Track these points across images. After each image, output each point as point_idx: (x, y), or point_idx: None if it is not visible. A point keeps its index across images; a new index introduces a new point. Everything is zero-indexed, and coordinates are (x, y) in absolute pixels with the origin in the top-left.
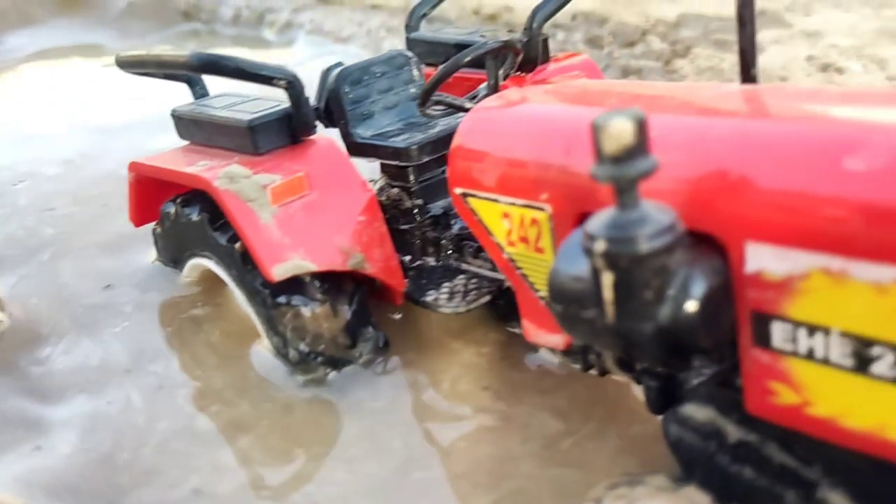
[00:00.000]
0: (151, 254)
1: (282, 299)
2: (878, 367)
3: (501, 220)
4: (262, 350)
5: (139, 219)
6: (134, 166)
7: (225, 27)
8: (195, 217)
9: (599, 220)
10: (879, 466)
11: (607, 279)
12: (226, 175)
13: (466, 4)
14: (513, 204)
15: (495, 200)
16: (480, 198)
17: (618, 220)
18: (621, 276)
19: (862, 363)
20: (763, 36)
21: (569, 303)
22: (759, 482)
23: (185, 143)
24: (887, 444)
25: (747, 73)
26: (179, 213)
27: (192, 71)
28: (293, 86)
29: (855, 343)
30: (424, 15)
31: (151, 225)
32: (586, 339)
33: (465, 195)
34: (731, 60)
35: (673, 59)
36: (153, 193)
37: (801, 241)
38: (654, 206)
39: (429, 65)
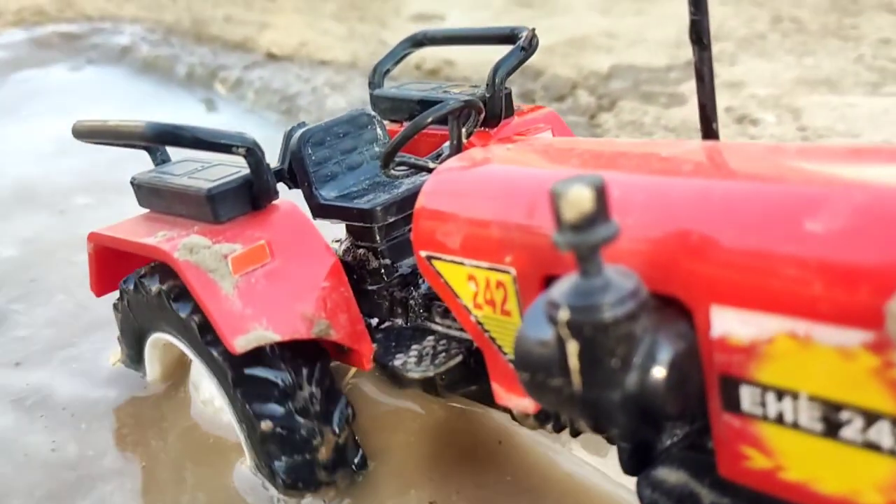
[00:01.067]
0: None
1: (246, 371)
2: (847, 432)
3: (467, 282)
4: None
5: (100, 289)
6: (93, 237)
7: (179, 84)
8: (154, 289)
9: (562, 288)
10: None
11: (572, 348)
12: (185, 246)
13: (409, 60)
14: (478, 267)
15: (460, 263)
16: (445, 261)
17: (581, 288)
18: (586, 345)
19: (831, 428)
20: (688, 87)
21: (535, 370)
22: None
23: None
24: None
25: (708, 128)
26: (140, 288)
27: (147, 142)
28: (252, 153)
29: (823, 407)
30: (388, 71)
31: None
32: (554, 408)
33: (429, 258)
34: (653, 113)
35: (598, 112)
36: (114, 263)
37: (766, 305)
38: (618, 272)
39: (393, 121)
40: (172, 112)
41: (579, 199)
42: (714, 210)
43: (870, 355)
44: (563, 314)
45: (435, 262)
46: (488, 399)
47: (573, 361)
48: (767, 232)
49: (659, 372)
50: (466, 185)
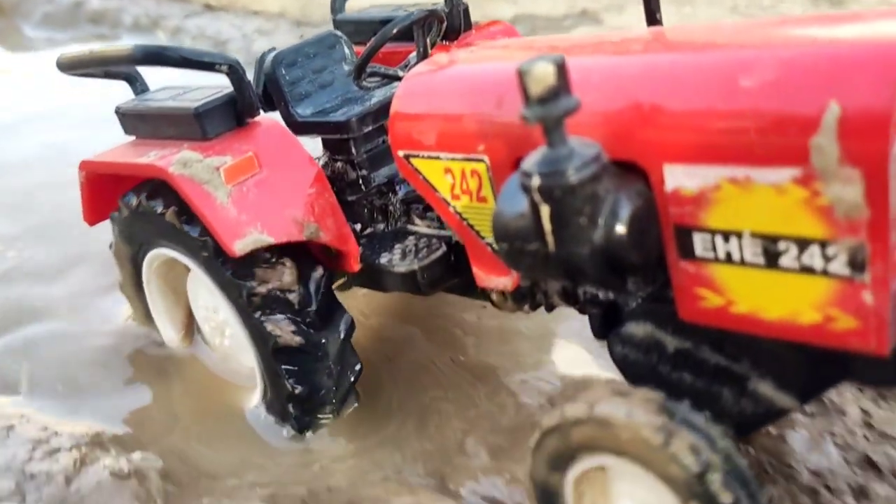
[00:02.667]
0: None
1: (245, 271)
2: (785, 260)
3: (444, 175)
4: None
5: (93, 218)
6: (85, 164)
7: (126, 32)
8: (160, 210)
9: (533, 159)
10: (796, 351)
11: (545, 211)
12: (179, 161)
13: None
14: (453, 159)
15: (436, 158)
16: (422, 157)
17: (549, 157)
18: (556, 207)
19: (771, 259)
20: (579, 32)
21: (512, 240)
22: (698, 384)
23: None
24: (800, 329)
25: (652, 17)
26: (143, 205)
27: (136, 63)
28: (234, 70)
29: (763, 241)
30: None
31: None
32: (531, 272)
33: (407, 156)
34: None
35: None
36: (105, 191)
37: (710, 157)
38: (580, 142)
39: (357, 43)
40: None
41: (544, 75)
42: (660, 81)
43: (799, 188)
44: (535, 181)
45: (413, 160)
46: (468, 291)
47: (546, 224)
48: (707, 93)
49: (621, 226)
50: (436, 85)
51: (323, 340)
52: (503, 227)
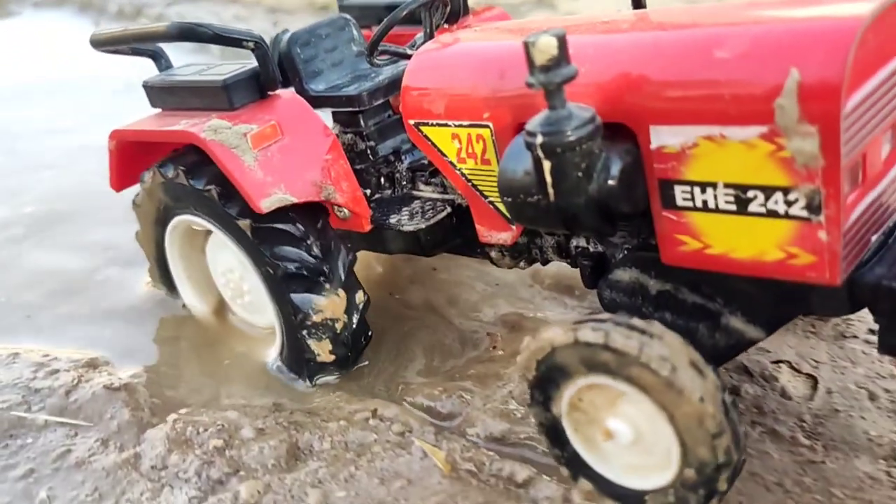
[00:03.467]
0: (143, 277)
1: (267, 225)
2: (753, 206)
3: (452, 141)
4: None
5: (119, 184)
6: (116, 134)
7: (111, 19)
8: (201, 186)
9: (536, 120)
10: (763, 288)
11: (546, 166)
12: (210, 128)
13: None
14: (460, 125)
15: (445, 125)
16: (432, 125)
17: (550, 118)
18: (557, 162)
19: (741, 205)
20: (536, 17)
21: (517, 193)
22: (678, 321)
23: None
24: (766, 266)
25: (638, 2)
26: (181, 178)
27: (171, 40)
28: (260, 46)
29: (735, 190)
30: None
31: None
32: (533, 223)
33: (417, 125)
34: None
35: None
36: (132, 159)
37: (690, 118)
38: (577, 106)
39: (362, 26)
40: None
41: (548, 46)
42: (646, 53)
43: (765, 143)
44: (539, 139)
45: (423, 128)
46: (468, 250)
47: (548, 177)
48: (687, 64)
49: (613, 180)
50: (444, 61)
51: (327, 268)
52: (508, 182)
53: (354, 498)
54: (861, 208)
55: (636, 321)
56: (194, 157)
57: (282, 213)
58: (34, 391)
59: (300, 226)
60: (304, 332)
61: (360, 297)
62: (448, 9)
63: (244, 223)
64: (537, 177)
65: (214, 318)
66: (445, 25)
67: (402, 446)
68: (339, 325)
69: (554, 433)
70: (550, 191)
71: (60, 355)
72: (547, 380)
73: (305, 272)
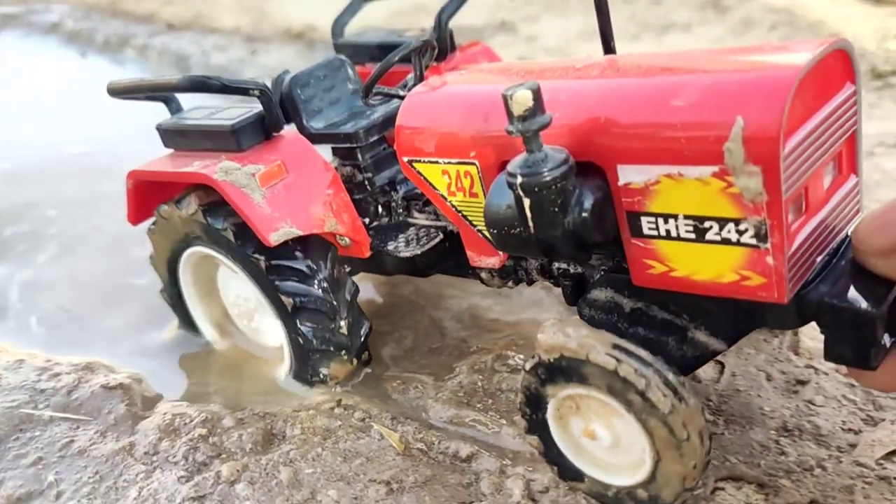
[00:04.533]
0: (172, 323)
1: (279, 262)
2: (710, 235)
3: (442, 176)
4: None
5: (136, 218)
6: (133, 174)
7: (98, 50)
8: (219, 225)
9: (516, 162)
10: (723, 304)
11: (526, 203)
12: (221, 170)
13: (279, 23)
14: (449, 163)
15: (435, 162)
16: (423, 162)
17: (528, 161)
18: (535, 199)
19: (699, 234)
20: (495, 41)
21: (500, 226)
22: (650, 335)
23: (169, 151)
24: (723, 287)
25: (608, 46)
26: (199, 216)
27: (184, 91)
28: (265, 93)
29: (693, 221)
30: (345, 23)
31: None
32: (516, 251)
33: (410, 161)
34: None
35: None
36: (147, 195)
37: (651, 159)
38: (552, 148)
39: (356, 63)
40: (95, 72)
41: (524, 99)
42: (613, 99)
43: (717, 181)
44: (519, 179)
45: (415, 164)
46: (459, 271)
47: (528, 212)
48: (648, 110)
49: (586, 212)
50: (433, 103)
51: (334, 301)
52: (493, 216)
53: (320, 474)
54: (805, 233)
55: (671, 377)
56: (210, 196)
57: (293, 249)
58: (40, 391)
59: (310, 262)
60: (313, 357)
61: (363, 327)
62: (436, 51)
63: (259, 260)
64: (518, 212)
65: (223, 338)
66: (434, 63)
67: (362, 430)
68: (343, 352)
69: (535, 401)
70: (530, 224)
71: (62, 360)
72: (559, 370)
73: (314, 306)
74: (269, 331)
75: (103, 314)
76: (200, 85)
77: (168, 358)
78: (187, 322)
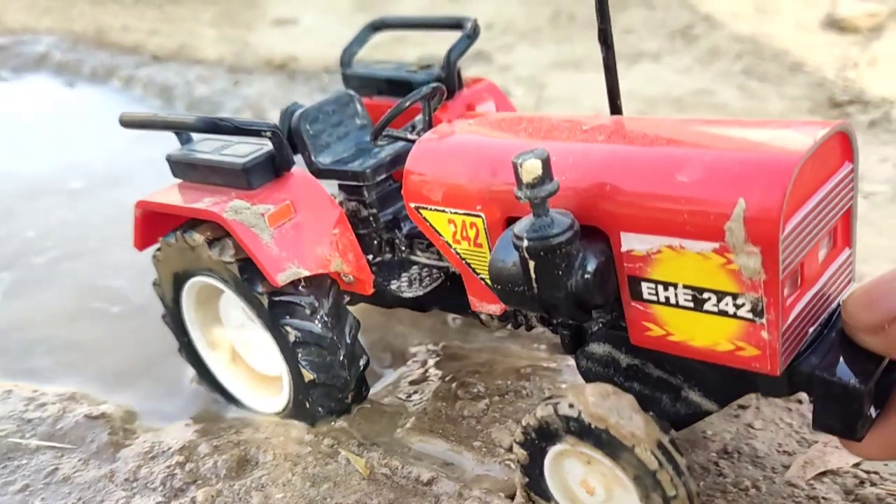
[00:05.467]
0: (189, 374)
1: (281, 298)
2: (707, 306)
3: (448, 224)
4: None
5: (142, 244)
6: (141, 204)
7: (85, 81)
8: (227, 259)
9: (523, 226)
10: (717, 369)
11: (531, 265)
12: (231, 209)
13: (260, 54)
14: (455, 213)
15: (442, 211)
16: (430, 210)
17: (535, 225)
18: (540, 262)
19: (698, 304)
20: (471, 71)
21: (505, 283)
22: (644, 391)
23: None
24: (718, 354)
25: (614, 105)
26: (185, 239)
27: (198, 132)
28: (276, 135)
29: (693, 291)
30: (354, 53)
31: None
32: (518, 306)
33: (417, 208)
34: None
35: None
36: (154, 223)
37: (654, 229)
38: (559, 212)
39: (363, 95)
40: (82, 103)
41: (533, 167)
42: (619, 167)
43: (718, 257)
44: (525, 243)
45: (422, 211)
46: (459, 310)
47: (532, 274)
48: (652, 181)
49: (588, 276)
50: (443, 153)
51: (335, 337)
52: (497, 273)
53: (290, 499)
54: (800, 307)
55: (694, 489)
56: (217, 230)
57: (296, 285)
58: (27, 421)
59: (313, 299)
60: (311, 392)
61: (362, 361)
62: (445, 95)
63: (262, 297)
64: (523, 272)
65: (227, 365)
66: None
67: (330, 455)
68: (341, 387)
69: (548, 437)
70: (534, 285)
71: (48, 390)
72: (596, 437)
73: (314, 341)
74: (270, 360)
75: (88, 345)
76: (213, 127)
77: (149, 387)
78: (189, 351)
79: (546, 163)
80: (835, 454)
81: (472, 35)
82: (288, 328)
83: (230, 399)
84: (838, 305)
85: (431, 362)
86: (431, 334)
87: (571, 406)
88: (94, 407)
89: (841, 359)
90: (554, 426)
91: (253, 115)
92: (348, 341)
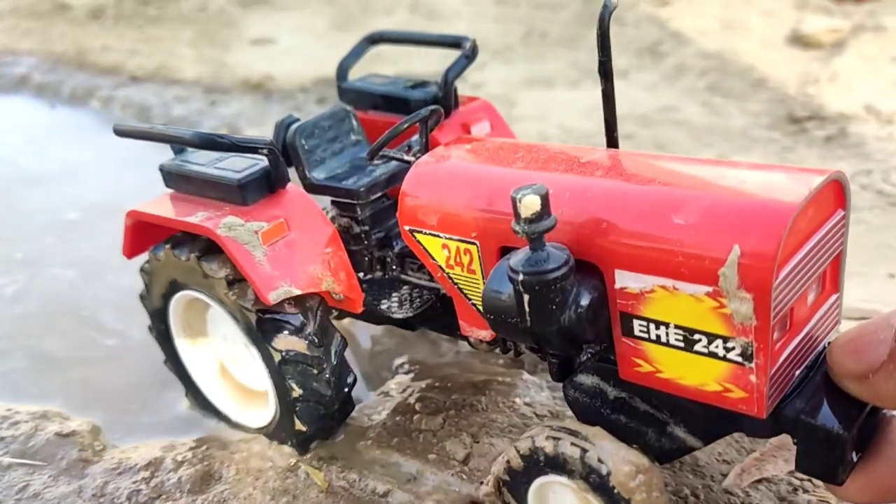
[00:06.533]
0: (167, 396)
1: (270, 317)
2: (698, 347)
3: (441, 249)
4: None
5: (131, 253)
6: (132, 213)
7: (64, 102)
8: (219, 274)
9: (519, 259)
10: (704, 407)
11: (525, 298)
12: (225, 225)
13: (238, 74)
14: (450, 239)
15: (437, 236)
16: (425, 234)
17: (531, 259)
18: (534, 296)
19: (688, 344)
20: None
21: (497, 314)
22: (630, 424)
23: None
24: (706, 394)
25: (611, 137)
26: (197, 263)
27: (195, 147)
28: (273, 152)
29: (683, 332)
30: (350, 66)
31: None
32: (510, 336)
33: (412, 231)
34: None
35: None
36: (144, 232)
37: (649, 269)
38: (554, 247)
39: (358, 109)
40: (61, 122)
41: (532, 203)
42: (617, 205)
43: (710, 300)
44: (521, 276)
45: (416, 234)
46: (449, 331)
47: (526, 307)
48: (649, 221)
49: (581, 311)
50: (439, 179)
51: (322, 355)
52: (490, 302)
53: None
54: (788, 351)
55: None
56: (206, 245)
57: (284, 303)
58: (0, 439)
59: (301, 317)
60: (297, 409)
61: (349, 378)
62: (442, 117)
63: (250, 315)
64: (517, 305)
65: (217, 378)
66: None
67: (290, 470)
68: (327, 404)
69: (554, 464)
70: (527, 318)
71: (21, 409)
72: (602, 488)
73: (301, 359)
74: (255, 374)
75: (61, 363)
76: (210, 143)
77: (120, 405)
78: (174, 361)
79: (545, 199)
80: (770, 463)
81: (471, 55)
82: (275, 348)
83: (217, 415)
84: (824, 348)
85: (393, 377)
86: (397, 348)
87: (601, 462)
88: (66, 424)
89: (826, 404)
90: (570, 466)
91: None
92: (334, 359)
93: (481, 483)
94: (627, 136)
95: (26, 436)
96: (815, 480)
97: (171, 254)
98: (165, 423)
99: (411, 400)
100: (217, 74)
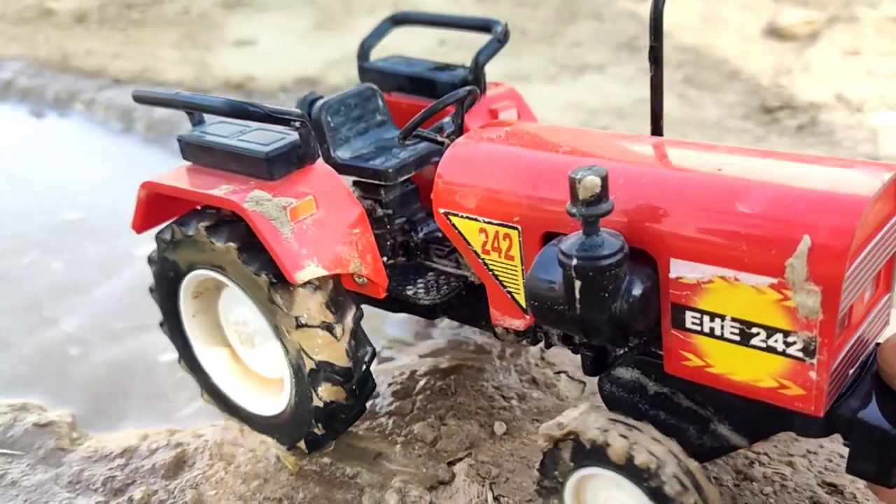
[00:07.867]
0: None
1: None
2: (755, 341)
3: (479, 234)
4: None
5: (141, 228)
6: (147, 185)
7: (49, 105)
8: (220, 244)
9: (571, 243)
10: (750, 404)
11: (577, 284)
12: (251, 199)
13: (219, 75)
14: (489, 223)
15: (474, 219)
16: (461, 217)
17: (585, 244)
18: (587, 283)
19: (745, 338)
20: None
21: (543, 300)
22: (671, 421)
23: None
24: (760, 391)
25: (657, 126)
26: (205, 237)
27: (222, 115)
28: (304, 125)
29: (741, 325)
30: (372, 46)
31: None
32: (555, 325)
33: (447, 214)
34: None
35: None
36: (157, 206)
37: (708, 259)
38: (609, 233)
39: (381, 90)
40: (46, 123)
41: (592, 185)
42: (674, 192)
43: (774, 292)
44: (574, 261)
45: (452, 218)
46: (474, 320)
47: (577, 294)
48: (710, 209)
49: (633, 300)
50: (479, 160)
51: (338, 323)
52: (536, 289)
53: (221, 495)
54: (846, 349)
55: None
56: (215, 217)
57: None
58: None
59: (315, 282)
60: (313, 378)
61: (366, 350)
62: (477, 99)
63: (263, 281)
64: (567, 292)
65: (230, 367)
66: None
67: (262, 455)
68: (345, 375)
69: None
70: (577, 305)
71: (0, 402)
72: (650, 487)
73: (316, 325)
74: (271, 359)
75: (37, 355)
76: (240, 111)
77: (97, 395)
78: (187, 356)
79: (605, 181)
80: None
81: (503, 39)
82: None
83: (230, 409)
84: (874, 348)
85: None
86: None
87: (676, 478)
88: (43, 415)
89: (880, 405)
90: (604, 459)
91: None
92: (352, 329)
93: (448, 464)
94: (603, 128)
95: (5, 426)
96: (770, 453)
97: (180, 233)
98: (142, 412)
99: (381, 386)
100: (199, 76)
